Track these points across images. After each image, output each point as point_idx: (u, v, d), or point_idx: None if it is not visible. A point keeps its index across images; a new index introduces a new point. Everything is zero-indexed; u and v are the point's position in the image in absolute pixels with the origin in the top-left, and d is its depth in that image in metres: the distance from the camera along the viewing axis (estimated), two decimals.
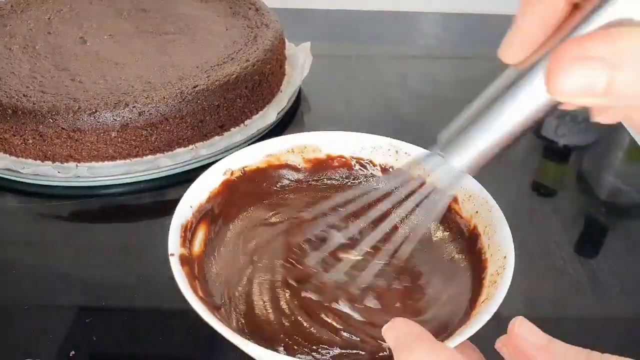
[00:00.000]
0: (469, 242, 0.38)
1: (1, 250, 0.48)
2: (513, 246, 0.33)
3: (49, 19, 0.66)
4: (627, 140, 0.62)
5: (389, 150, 0.43)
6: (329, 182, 0.44)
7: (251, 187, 0.42)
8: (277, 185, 0.43)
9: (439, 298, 0.35)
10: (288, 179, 0.43)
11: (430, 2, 0.89)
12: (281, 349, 0.33)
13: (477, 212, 0.38)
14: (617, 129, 0.63)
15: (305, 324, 0.34)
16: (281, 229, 0.40)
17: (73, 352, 0.38)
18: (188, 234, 0.37)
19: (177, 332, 0.40)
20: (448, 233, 0.40)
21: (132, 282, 0.44)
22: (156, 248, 0.47)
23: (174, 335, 0.40)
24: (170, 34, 0.64)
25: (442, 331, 0.33)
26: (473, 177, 0.38)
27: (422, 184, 0.32)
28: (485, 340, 0.29)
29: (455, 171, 0.28)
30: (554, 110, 0.24)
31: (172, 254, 0.34)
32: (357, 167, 0.44)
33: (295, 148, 0.43)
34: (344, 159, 0.44)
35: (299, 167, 0.44)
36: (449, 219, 0.40)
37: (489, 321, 0.29)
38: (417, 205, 0.32)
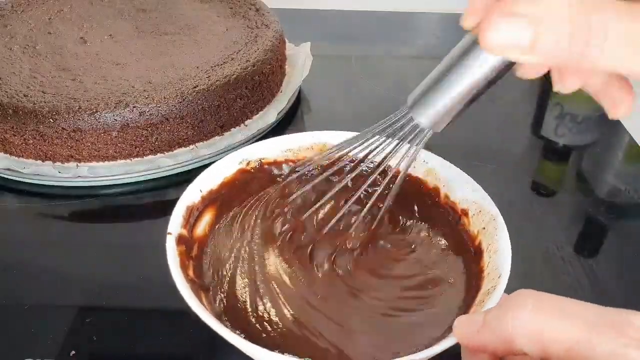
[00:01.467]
0: (472, 258, 0.37)
1: (1, 250, 0.48)
2: (510, 267, 0.33)
3: (49, 19, 0.66)
4: (626, 140, 0.62)
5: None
6: (344, 181, 0.44)
7: (265, 179, 0.43)
8: (291, 180, 0.43)
9: (428, 311, 0.35)
10: (303, 175, 0.43)
11: (430, 2, 0.89)
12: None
13: (484, 228, 0.37)
14: (616, 129, 0.63)
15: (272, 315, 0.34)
16: (282, 221, 0.40)
17: (73, 352, 0.38)
18: (192, 216, 0.37)
19: (177, 332, 0.40)
20: (452, 247, 0.39)
21: (132, 282, 0.44)
22: (156, 248, 0.47)
23: (174, 335, 0.40)
24: (170, 34, 0.64)
25: (423, 345, 0.33)
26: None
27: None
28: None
29: (421, 128, 0.31)
30: (505, 71, 0.27)
31: (169, 233, 0.35)
32: (372, 168, 0.43)
33: (315, 145, 0.43)
34: (360, 161, 0.43)
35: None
36: (456, 232, 0.39)
37: None
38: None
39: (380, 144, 0.36)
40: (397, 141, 0.34)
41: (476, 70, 0.27)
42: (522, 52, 0.22)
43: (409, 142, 0.32)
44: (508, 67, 0.27)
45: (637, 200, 0.54)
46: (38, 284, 0.44)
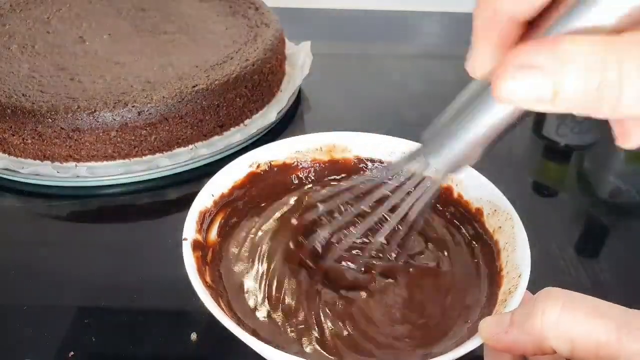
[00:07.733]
0: (490, 257, 0.37)
1: (1, 250, 0.48)
2: (530, 266, 0.33)
3: (48, 18, 0.66)
4: None
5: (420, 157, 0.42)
6: (353, 182, 0.43)
7: (275, 181, 0.42)
8: (300, 182, 0.43)
9: (452, 311, 0.35)
10: (312, 176, 0.43)
11: (430, 2, 0.89)
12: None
13: (500, 227, 0.37)
14: None
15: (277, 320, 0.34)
16: (293, 224, 0.40)
17: (72, 353, 0.38)
18: (206, 221, 0.37)
19: (177, 332, 0.40)
20: (471, 247, 0.39)
21: (132, 282, 0.44)
22: (156, 248, 0.47)
23: (174, 335, 0.40)
24: (169, 33, 0.64)
25: (443, 339, 0.33)
26: (500, 190, 0.38)
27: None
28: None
29: (437, 170, 0.29)
30: (523, 118, 0.25)
31: (185, 239, 0.34)
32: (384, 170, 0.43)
33: (324, 147, 0.43)
34: (371, 162, 0.43)
35: (325, 165, 0.43)
36: (474, 232, 0.39)
37: None
38: (407, 194, 0.32)
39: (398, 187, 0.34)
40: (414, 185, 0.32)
41: (485, 120, 0.25)
42: (543, 103, 0.20)
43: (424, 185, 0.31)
44: (525, 113, 0.24)
45: (638, 200, 0.54)
46: (38, 284, 0.44)
